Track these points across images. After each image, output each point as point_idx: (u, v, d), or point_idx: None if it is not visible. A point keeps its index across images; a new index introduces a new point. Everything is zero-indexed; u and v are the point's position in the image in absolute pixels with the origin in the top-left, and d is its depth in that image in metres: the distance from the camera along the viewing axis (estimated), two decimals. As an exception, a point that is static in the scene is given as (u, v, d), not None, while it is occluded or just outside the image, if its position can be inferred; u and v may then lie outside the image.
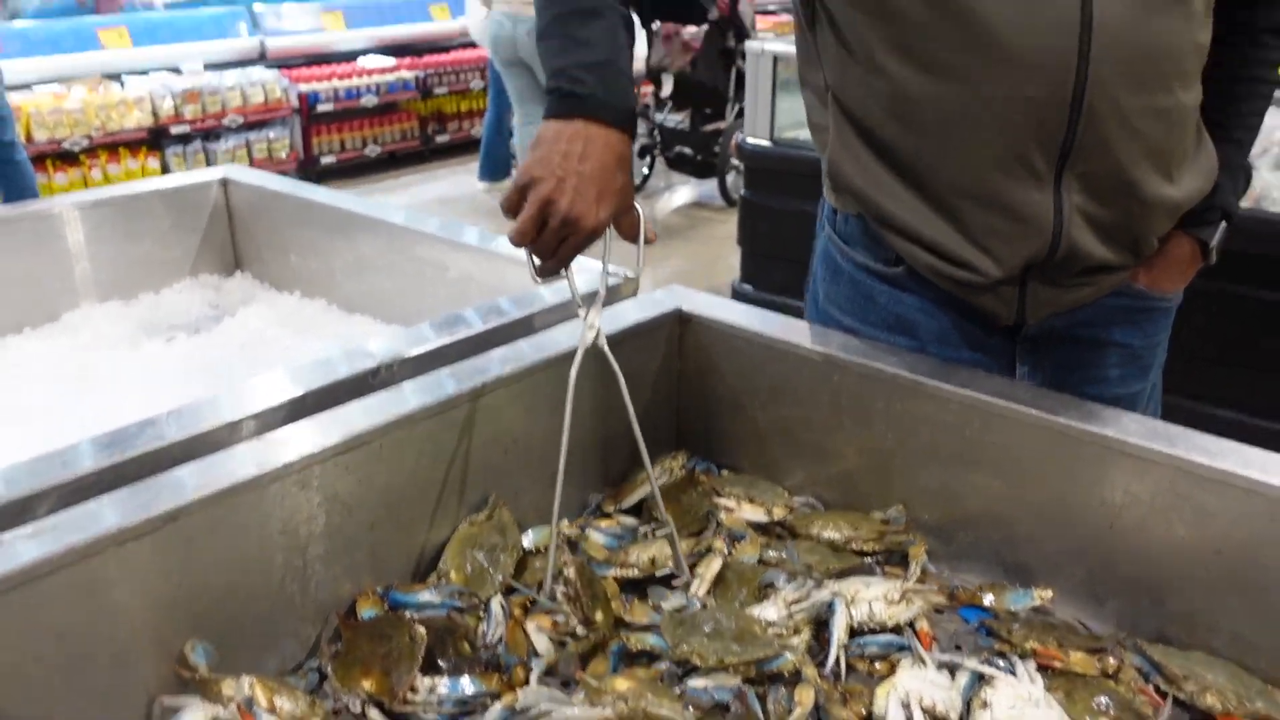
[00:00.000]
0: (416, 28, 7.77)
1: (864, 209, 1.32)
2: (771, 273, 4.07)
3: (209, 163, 6.28)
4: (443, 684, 1.02)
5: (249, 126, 6.55)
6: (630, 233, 1.17)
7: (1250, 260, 2.80)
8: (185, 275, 2.16)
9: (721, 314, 1.44)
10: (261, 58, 6.90)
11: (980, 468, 1.23)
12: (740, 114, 6.00)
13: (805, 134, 1.49)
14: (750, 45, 4.03)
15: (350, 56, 7.33)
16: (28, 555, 0.88)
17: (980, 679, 1.04)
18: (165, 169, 6.11)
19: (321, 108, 6.90)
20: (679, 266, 5.43)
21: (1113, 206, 1.21)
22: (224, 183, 2.18)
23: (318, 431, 1.10)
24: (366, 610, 1.11)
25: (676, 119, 6.48)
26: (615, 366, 1.15)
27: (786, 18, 7.28)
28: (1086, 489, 1.15)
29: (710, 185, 6.60)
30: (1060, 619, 1.16)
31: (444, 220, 1.92)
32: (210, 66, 6.48)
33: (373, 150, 7.30)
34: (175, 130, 6.16)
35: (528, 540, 1.24)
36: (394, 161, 7.57)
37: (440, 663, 1.06)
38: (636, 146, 6.78)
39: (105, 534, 0.92)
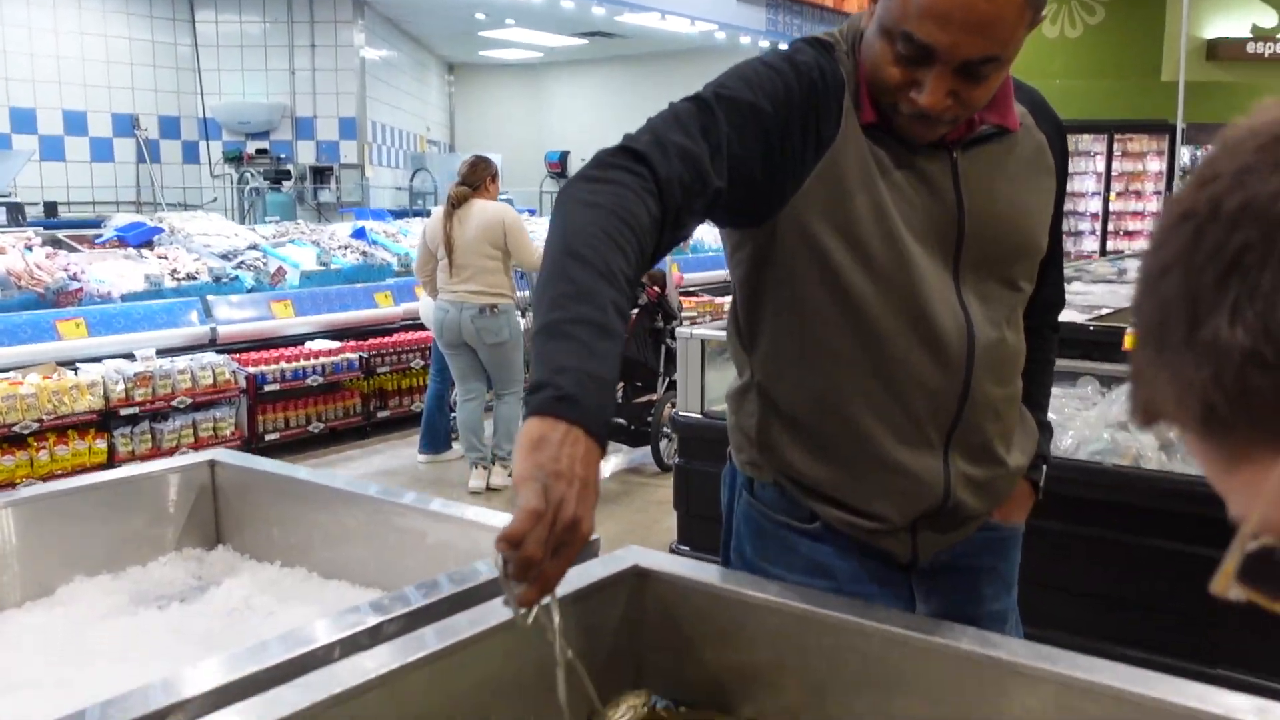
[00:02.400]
0: (361, 314, 8.23)
1: (785, 479, 1.61)
2: (707, 533, 4.31)
3: (155, 443, 6.45)
4: None
5: (196, 407, 6.77)
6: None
7: (1125, 510, 3.16)
8: (170, 550, 2.33)
9: (674, 568, 1.67)
10: (212, 343, 7.22)
11: (903, 692, 1.44)
12: (670, 386, 6.45)
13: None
14: (680, 331, 4.46)
15: (298, 340, 7.70)
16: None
17: None
18: (112, 450, 6.25)
19: (269, 387, 7.17)
20: (619, 529, 5.64)
21: (983, 470, 1.54)
22: (211, 464, 2.39)
23: (383, 657, 1.28)
24: (376, 840, 1.25)
25: (610, 393, 6.89)
26: (582, 670, 1.25)
27: (708, 297, 7.94)
28: (990, 705, 1.37)
29: (643, 452, 6.93)
30: (980, 823, 1.35)
31: (419, 494, 2.14)
32: (163, 353, 6.77)
33: (316, 426, 7.53)
34: (125, 412, 6.34)
35: (515, 773, 1.40)
36: (336, 436, 7.80)
37: None
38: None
39: (169, 766, 1.08)
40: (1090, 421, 3.60)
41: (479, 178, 6.20)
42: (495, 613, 1.45)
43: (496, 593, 1.37)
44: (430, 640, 1.38)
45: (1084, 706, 1.30)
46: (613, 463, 7.24)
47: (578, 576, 1.62)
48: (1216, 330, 0.54)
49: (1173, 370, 0.58)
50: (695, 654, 1.64)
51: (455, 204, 6.09)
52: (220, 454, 2.43)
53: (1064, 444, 3.47)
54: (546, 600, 1.11)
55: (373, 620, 1.45)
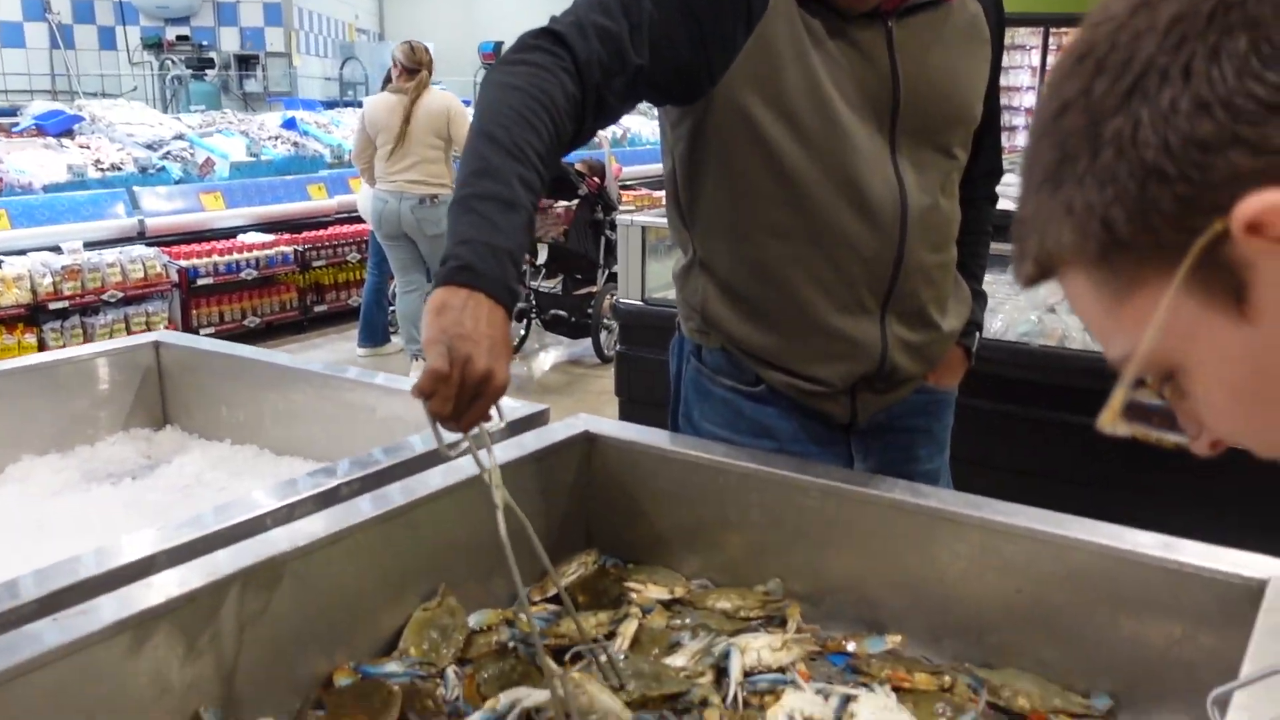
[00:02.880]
0: (294, 206, 8.07)
1: (731, 345, 1.66)
2: (648, 420, 4.38)
3: (86, 337, 6.33)
4: (417, 730, 1.24)
5: (127, 301, 6.64)
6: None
7: (1052, 389, 3.30)
8: (118, 430, 2.34)
9: (622, 433, 1.74)
10: (141, 235, 7.06)
11: (838, 543, 1.54)
12: (610, 278, 6.48)
13: (672, 293, 1.85)
14: (621, 218, 4.47)
15: (230, 234, 7.55)
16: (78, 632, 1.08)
17: (847, 699, 1.31)
18: (42, 345, 6.14)
19: (201, 281, 7.06)
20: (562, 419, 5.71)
21: (918, 334, 1.61)
22: (156, 344, 2.39)
23: (312, 525, 1.33)
24: (342, 680, 1.32)
25: (550, 285, 6.92)
26: (523, 518, 1.29)
27: (645, 191, 7.91)
28: (920, 551, 1.47)
29: (584, 344, 6.98)
30: (908, 656, 1.45)
31: (364, 370, 2.17)
32: (90, 245, 6.61)
33: (252, 321, 7.45)
34: (54, 306, 6.21)
35: (473, 621, 1.47)
36: (272, 331, 7.72)
37: (410, 715, 1.27)
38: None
39: (151, 606, 1.13)
40: (1019, 305, 3.73)
41: (426, 62, 6.06)
42: (433, 480, 1.50)
43: (437, 461, 1.47)
44: (366, 508, 1.41)
45: (1005, 548, 1.40)
46: (554, 355, 7.29)
47: (530, 441, 1.68)
48: (1119, 150, 0.57)
49: (1073, 201, 0.60)
50: (642, 515, 1.72)
51: (419, 90, 5.95)
52: (165, 335, 2.43)
53: (994, 326, 3.59)
54: (465, 443, 1.21)
55: (309, 490, 1.48)
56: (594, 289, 6.65)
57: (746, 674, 1.38)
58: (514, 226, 1.25)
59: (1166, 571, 1.28)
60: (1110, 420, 0.65)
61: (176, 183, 7.54)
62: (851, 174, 1.52)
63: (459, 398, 1.14)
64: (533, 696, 1.24)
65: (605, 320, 6.52)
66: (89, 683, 1.08)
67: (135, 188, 7.20)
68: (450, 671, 1.36)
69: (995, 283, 3.92)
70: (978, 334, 1.82)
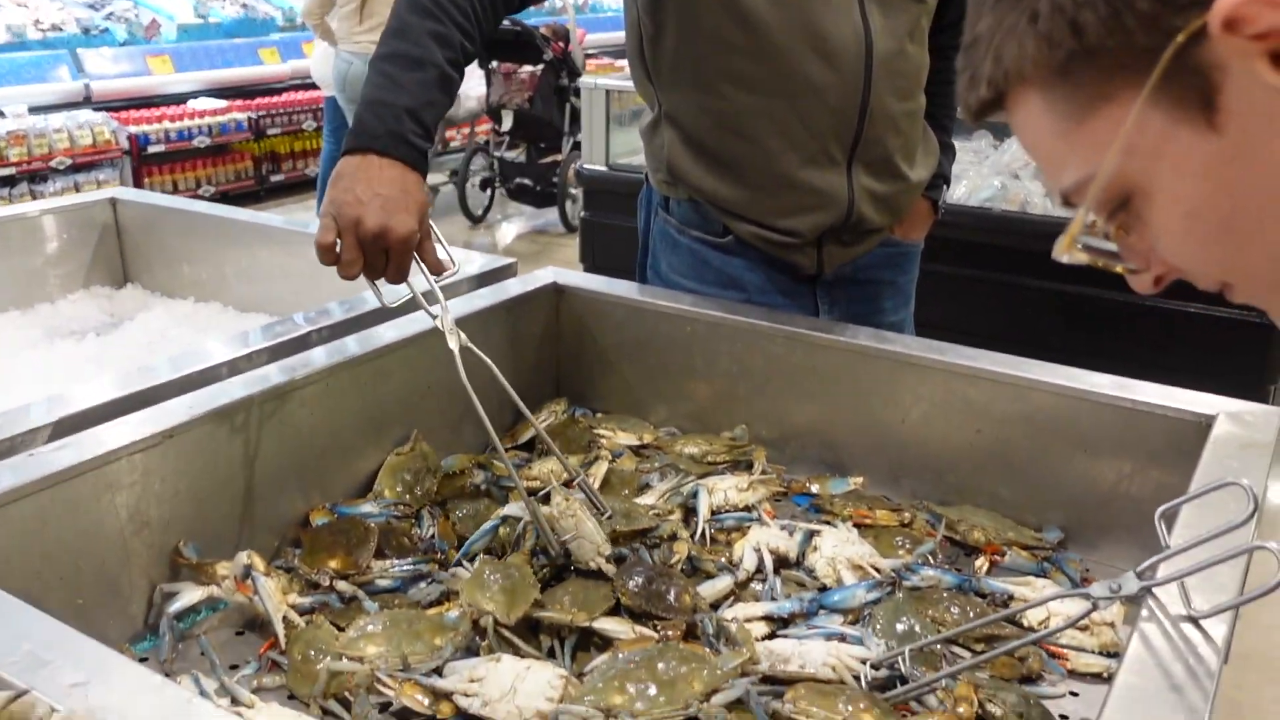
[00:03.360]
0: (247, 70, 7.81)
1: (698, 196, 1.66)
2: (613, 287, 4.40)
3: (37, 205, 6.17)
4: (393, 563, 1.27)
5: (76, 169, 6.47)
6: (430, 260, 1.28)
7: (1013, 254, 3.33)
8: (78, 288, 2.30)
9: (590, 284, 1.74)
10: (87, 101, 6.82)
11: (804, 389, 1.57)
12: (576, 146, 6.37)
13: (636, 159, 1.83)
14: (585, 81, 4.38)
15: (180, 99, 7.32)
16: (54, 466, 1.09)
17: (811, 534, 1.36)
18: (-10, 212, 5.97)
19: (153, 149, 6.88)
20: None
21: (885, 185, 1.61)
22: (113, 201, 2.34)
23: (277, 371, 1.33)
24: (319, 520, 1.35)
25: (515, 153, 6.80)
26: (485, 359, 1.30)
27: (608, 60, 7.74)
28: (884, 395, 1.50)
29: (549, 213, 6.92)
30: (869, 495, 1.50)
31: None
32: (35, 110, 6.38)
33: (206, 190, 7.29)
34: (0, 173, 6.04)
35: (445, 464, 1.50)
36: (228, 200, 7.55)
37: (387, 553, 1.30)
38: (478, 180, 7.05)
39: (118, 447, 1.13)
40: (982, 172, 3.73)
41: None
42: (387, 334, 1.49)
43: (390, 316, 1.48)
44: (392, 332, 1.44)
45: (967, 391, 1.43)
46: (519, 224, 7.23)
47: (498, 293, 1.68)
48: None
49: (1038, 7, 0.58)
50: (610, 365, 1.74)
51: None
52: (121, 191, 2.38)
53: (957, 193, 3.60)
54: (408, 294, 1.27)
55: (266, 341, 1.46)
56: (559, 157, 6.56)
57: (714, 512, 1.42)
58: (419, 82, 1.26)
59: (1120, 410, 1.33)
60: (1066, 248, 0.65)
61: (121, 44, 7.27)
62: (816, 19, 1.49)
63: (367, 259, 1.20)
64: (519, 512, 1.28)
65: (570, 189, 6.44)
66: (66, 516, 1.09)
67: (79, 50, 6.92)
68: (425, 512, 1.39)
69: (960, 150, 3.92)
70: (945, 187, 1.81)
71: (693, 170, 1.65)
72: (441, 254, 1.29)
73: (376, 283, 1.26)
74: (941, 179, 1.78)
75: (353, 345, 1.44)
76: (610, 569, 1.21)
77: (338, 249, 1.20)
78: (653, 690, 0.95)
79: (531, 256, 6.49)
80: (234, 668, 1.14)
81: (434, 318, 1.27)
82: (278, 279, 2.16)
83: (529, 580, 1.17)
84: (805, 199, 1.61)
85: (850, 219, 1.62)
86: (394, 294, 1.29)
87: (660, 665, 0.98)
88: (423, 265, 1.27)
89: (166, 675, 1.12)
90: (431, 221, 1.28)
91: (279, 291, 2.16)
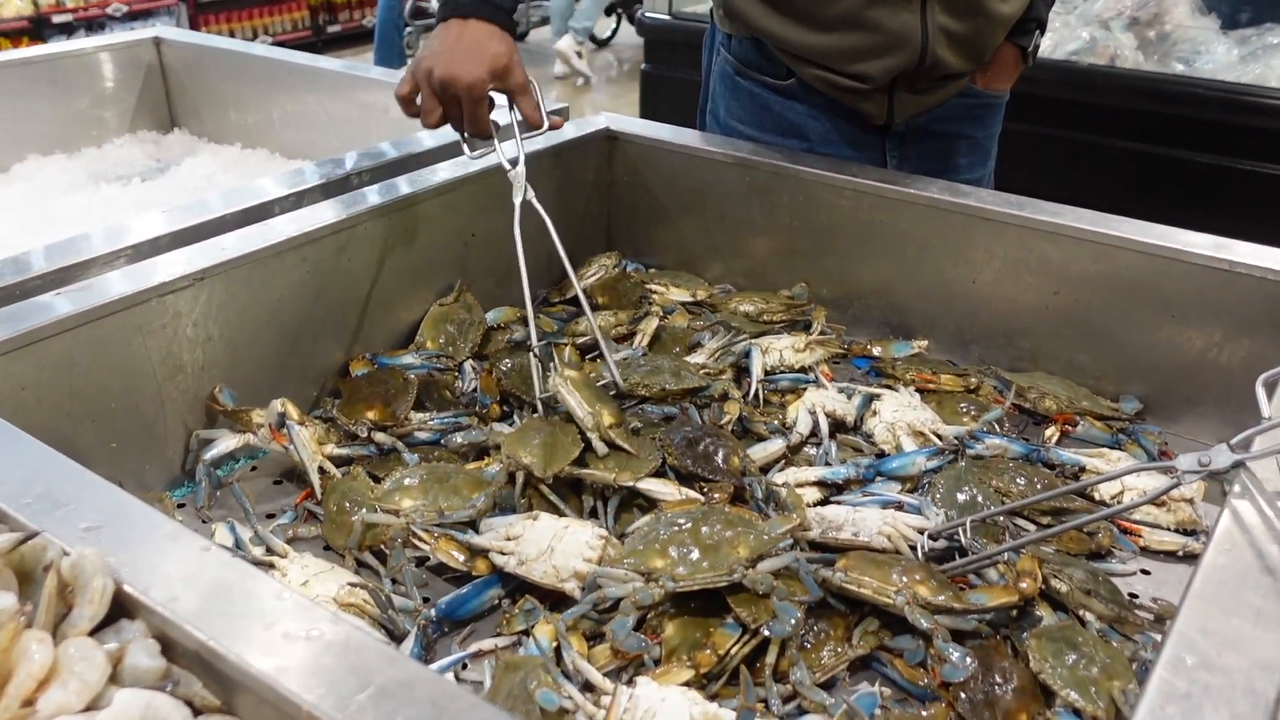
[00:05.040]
0: (302, -86, 7.57)
1: (760, 35, 1.53)
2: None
3: (95, 54, 6.11)
4: (433, 416, 1.23)
5: (133, 16, 6.38)
6: (528, 111, 1.30)
7: (1101, 112, 3.12)
8: (124, 132, 2.25)
9: (645, 131, 1.64)
10: (143, -55, 6.67)
11: (869, 245, 1.47)
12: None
13: (702, 6, 1.69)
14: (648, -80, 4.13)
15: (237, -55, 7.14)
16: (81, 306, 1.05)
17: (871, 398, 1.29)
18: (49, 60, 5.94)
19: (209, -3, 6.75)
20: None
21: (964, 23, 1.46)
22: (157, 41, 2.26)
23: (311, 214, 1.27)
24: (359, 370, 1.30)
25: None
26: (543, 214, 1.28)
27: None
28: (954, 252, 1.40)
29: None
30: (934, 360, 1.42)
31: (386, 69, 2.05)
32: (91, -45, 6.27)
33: (264, 40, 7.16)
34: (57, 20, 5.97)
35: (490, 317, 1.44)
36: (286, 53, 7.44)
37: (427, 404, 1.26)
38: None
39: (157, 284, 1.09)
40: (1069, 22, 3.48)
41: None
42: (442, 173, 1.43)
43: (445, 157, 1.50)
44: (374, 197, 1.34)
45: (1045, 248, 1.33)
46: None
47: (544, 138, 1.58)
48: None
49: None
50: (665, 217, 1.65)
51: None
52: (165, 30, 2.30)
53: (1041, 46, 3.37)
54: (484, 148, 1.30)
55: (316, 179, 1.41)
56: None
57: (768, 373, 1.35)
58: None
59: (1215, 272, 1.22)
60: None
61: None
62: None
63: (444, 108, 1.25)
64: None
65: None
66: (94, 357, 1.06)
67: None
68: (468, 365, 1.34)
69: None
70: (1038, 33, 1.61)
71: (753, 7, 1.52)
72: (531, 112, 1.31)
73: (465, 135, 1.29)
74: (1035, 23, 1.58)
75: (401, 186, 1.37)
76: (602, 448, 1.11)
77: (418, 102, 1.26)
78: (695, 554, 0.90)
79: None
80: (270, 517, 1.12)
81: (509, 169, 1.30)
82: (326, 126, 2.09)
83: (570, 438, 1.12)
84: (874, 40, 1.47)
85: (924, 63, 1.48)
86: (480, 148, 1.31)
87: (704, 529, 0.93)
88: (515, 117, 1.30)
89: (204, 522, 1.11)
90: (533, 80, 1.31)
91: (326, 138, 2.09)
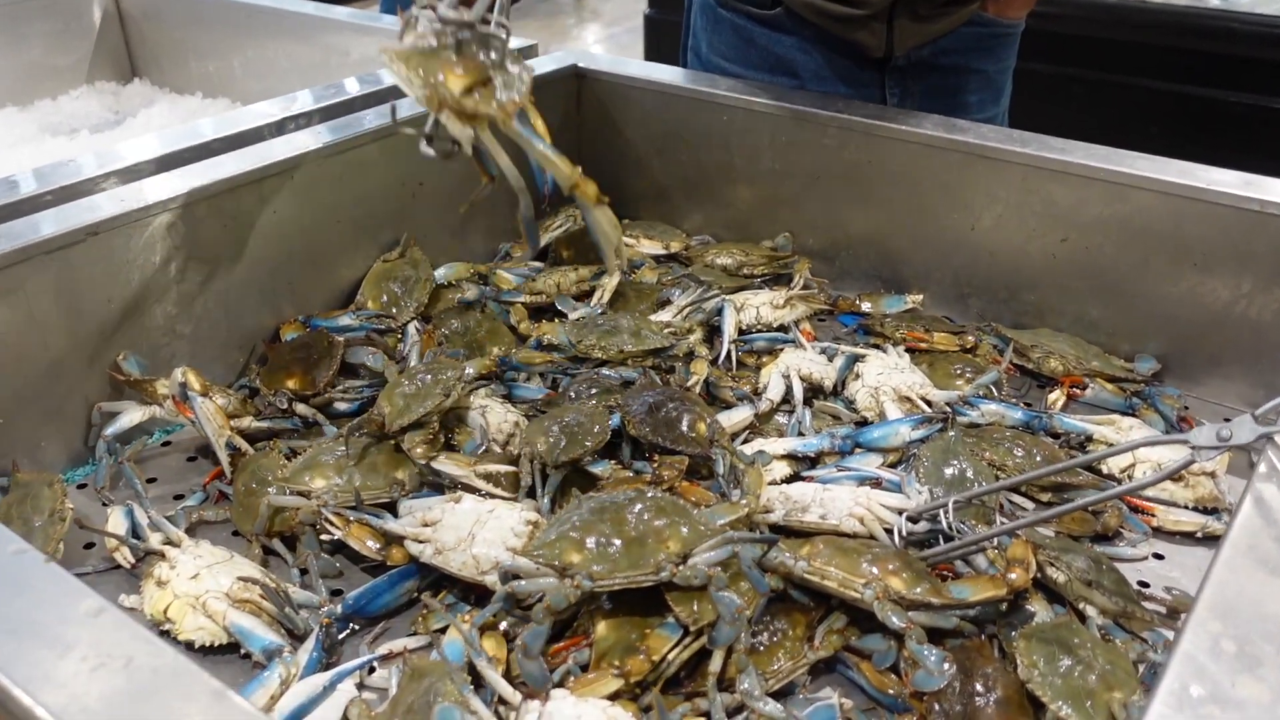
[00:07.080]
0: None
1: None
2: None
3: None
4: (351, 383, 1.11)
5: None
6: None
7: (1125, 49, 2.93)
8: (81, 83, 2.13)
9: (615, 68, 1.50)
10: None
11: (858, 190, 1.33)
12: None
13: None
14: None
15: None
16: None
17: (855, 359, 1.15)
18: None
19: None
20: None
21: None
22: (112, -15, 2.13)
23: (232, 161, 1.15)
24: (289, 334, 1.18)
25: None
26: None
27: None
28: (952, 195, 1.26)
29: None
30: (928, 315, 1.28)
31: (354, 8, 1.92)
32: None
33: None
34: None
35: (440, 274, 1.32)
36: (292, 7, 7.29)
37: (362, 372, 1.14)
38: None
39: (30, 243, 0.97)
40: (1098, -46, 3.28)
41: None
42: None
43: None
44: (309, 140, 1.22)
45: (1052, 189, 1.18)
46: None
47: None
48: None
49: None
50: (639, 162, 1.51)
51: None
52: (120, -26, 2.17)
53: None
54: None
55: (310, 105, 1.32)
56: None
57: (743, 332, 1.22)
58: None
59: (1244, 214, 1.07)
60: None
61: None
62: None
63: None
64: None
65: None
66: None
67: None
68: (411, 327, 1.21)
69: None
70: None
71: None
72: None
73: None
74: None
75: (326, 133, 1.24)
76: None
77: None
78: (617, 548, 0.77)
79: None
80: (178, 498, 1.01)
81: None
82: (288, 71, 1.96)
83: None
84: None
85: (925, -16, 1.33)
86: None
87: (630, 517, 0.81)
88: None
89: (104, 505, 1.00)
90: None
91: (289, 84, 1.96)
